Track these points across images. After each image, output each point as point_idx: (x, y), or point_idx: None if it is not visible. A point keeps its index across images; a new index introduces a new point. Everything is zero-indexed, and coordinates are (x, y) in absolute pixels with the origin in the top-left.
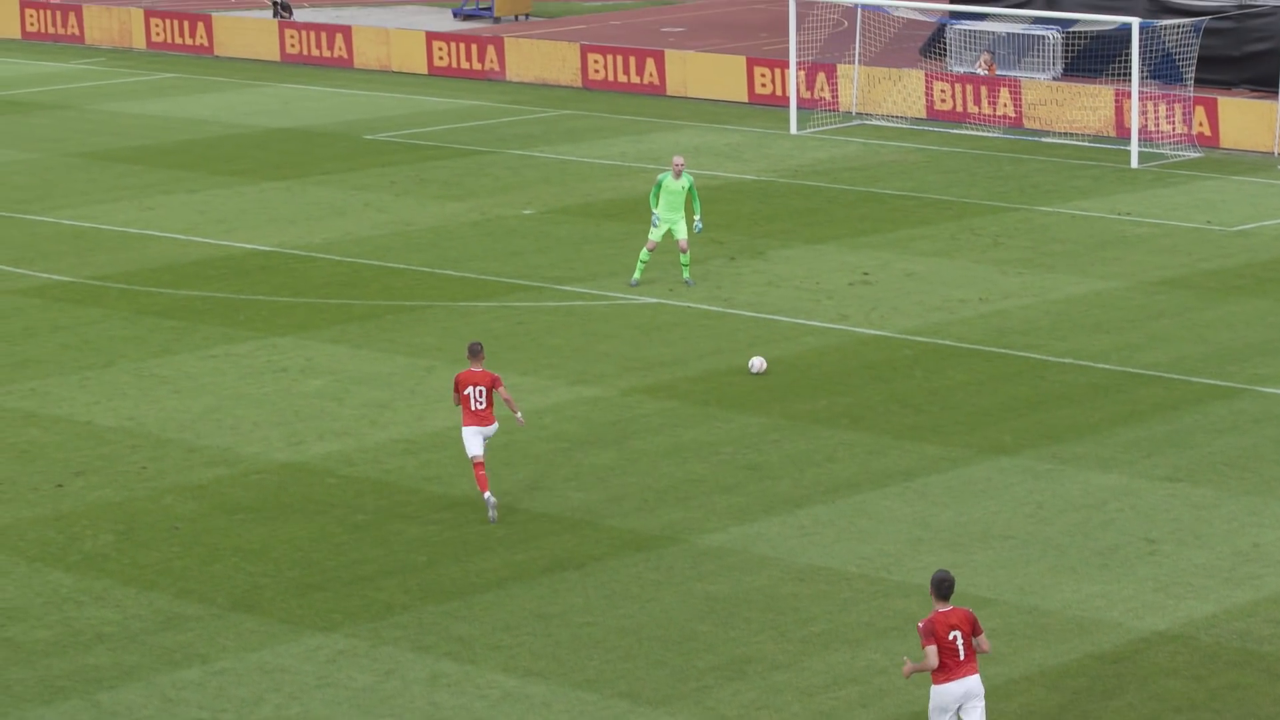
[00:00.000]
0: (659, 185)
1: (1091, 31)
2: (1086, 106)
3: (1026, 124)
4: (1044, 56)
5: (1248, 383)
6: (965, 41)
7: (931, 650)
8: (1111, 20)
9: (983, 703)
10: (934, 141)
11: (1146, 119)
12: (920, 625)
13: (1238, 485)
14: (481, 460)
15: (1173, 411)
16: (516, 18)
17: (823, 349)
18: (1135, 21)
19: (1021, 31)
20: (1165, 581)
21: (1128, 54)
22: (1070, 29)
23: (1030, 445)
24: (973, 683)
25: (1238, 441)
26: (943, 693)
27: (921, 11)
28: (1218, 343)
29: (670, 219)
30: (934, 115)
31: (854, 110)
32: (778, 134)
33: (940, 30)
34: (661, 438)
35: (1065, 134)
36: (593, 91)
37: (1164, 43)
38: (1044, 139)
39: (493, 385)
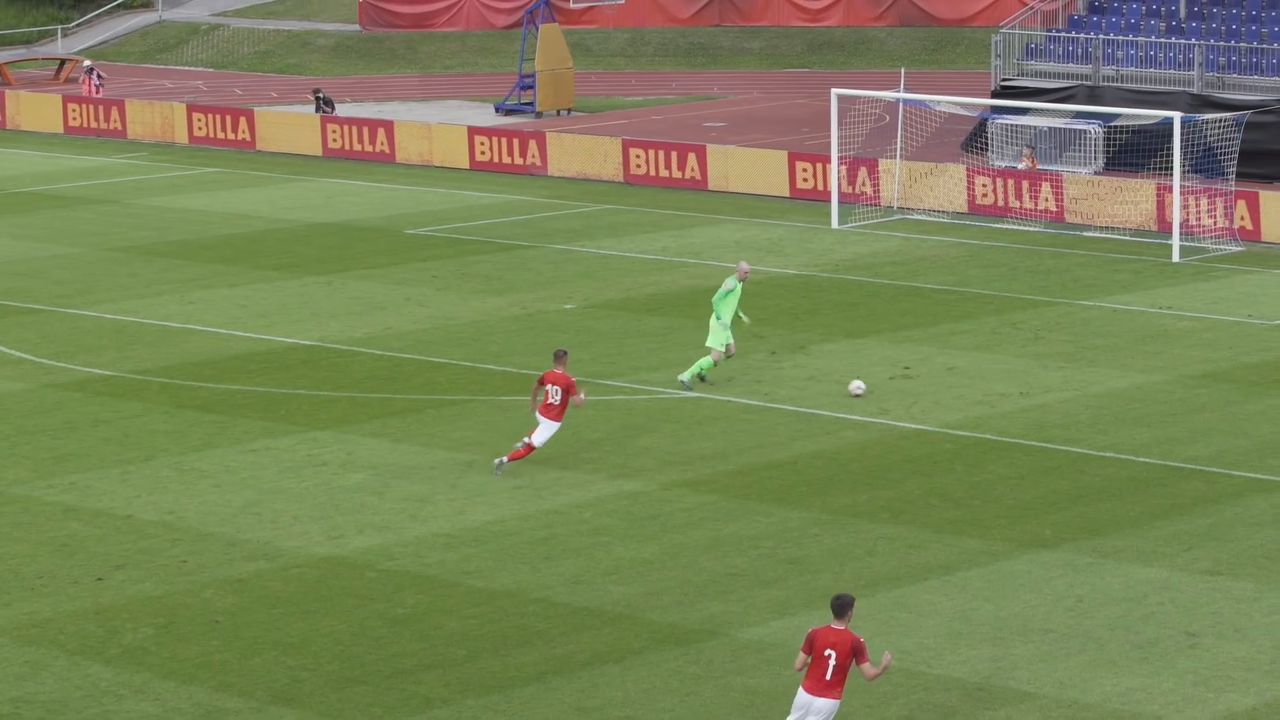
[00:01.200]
0: (731, 292)
1: (1133, 126)
2: (1128, 201)
3: (1068, 218)
4: (1086, 151)
5: (1273, 474)
6: (1006, 136)
7: (800, 658)
8: (1153, 115)
9: None
10: (975, 236)
11: (1188, 213)
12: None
13: (1279, 579)
14: (531, 447)
15: (1213, 505)
16: (559, 112)
17: (863, 443)
18: (1177, 116)
19: (1063, 126)
20: (1205, 675)
21: (1169, 148)
22: (1112, 124)
23: (1070, 539)
24: (823, 703)
25: (1278, 535)
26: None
27: (963, 106)
28: (1259, 436)
29: (728, 323)
30: (975, 210)
31: (895, 205)
32: (819, 228)
33: (982, 125)
34: (701, 532)
35: (1107, 228)
36: (635, 186)
37: (1206, 137)
38: (1085, 233)
39: (568, 388)
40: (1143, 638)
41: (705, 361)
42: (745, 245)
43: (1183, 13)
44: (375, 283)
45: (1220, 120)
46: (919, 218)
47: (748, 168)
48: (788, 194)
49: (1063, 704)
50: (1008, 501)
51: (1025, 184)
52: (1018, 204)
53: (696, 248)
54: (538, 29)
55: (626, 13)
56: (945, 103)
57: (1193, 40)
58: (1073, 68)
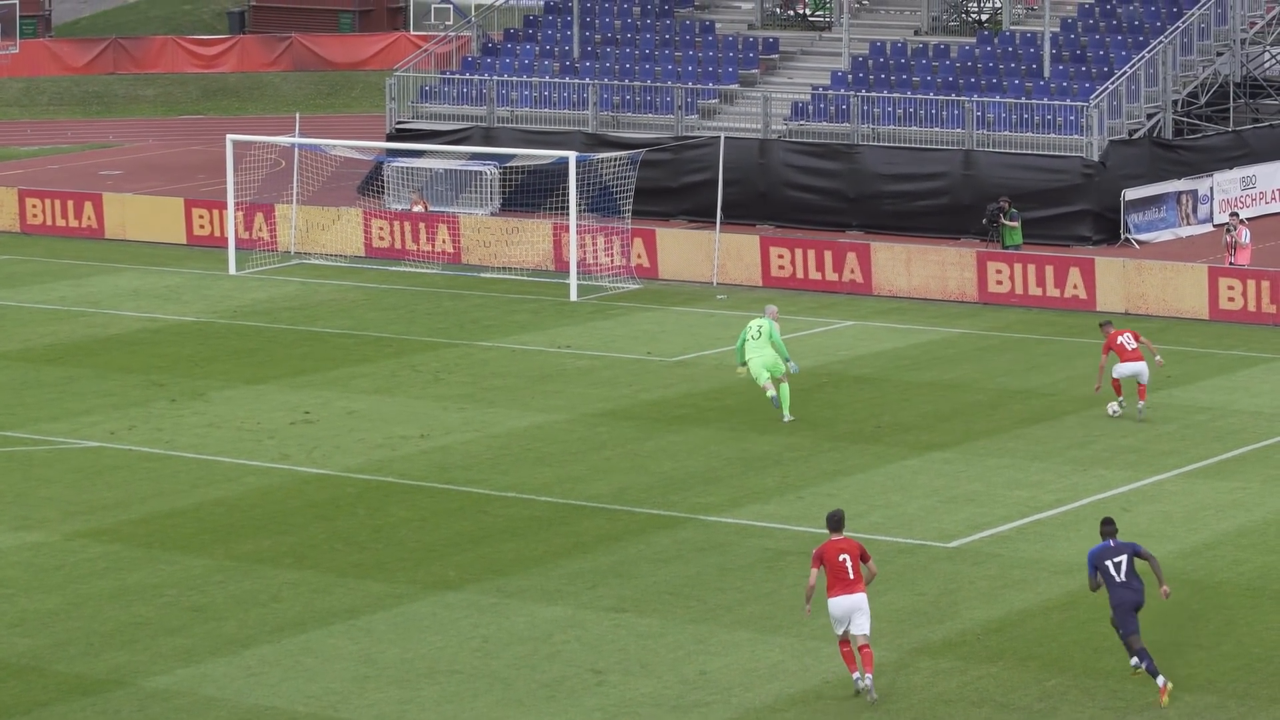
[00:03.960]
0: (771, 334)
1: (529, 166)
2: (525, 241)
3: (466, 259)
4: (482, 192)
5: (690, 512)
6: (402, 179)
7: (814, 573)
8: (548, 155)
9: (866, 614)
10: (373, 279)
11: (585, 252)
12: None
13: (683, 614)
14: None
15: (616, 542)
16: None
17: (266, 489)
18: (572, 155)
19: (459, 168)
20: (613, 712)
21: (565, 188)
22: (507, 164)
23: (474, 579)
24: (858, 599)
25: (682, 570)
26: (835, 605)
27: (358, 150)
28: (660, 473)
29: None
30: (373, 253)
31: (293, 250)
32: (217, 275)
33: (378, 168)
34: (105, 581)
35: (504, 269)
36: (32, 236)
37: (601, 176)
38: (483, 274)
39: None
40: (549, 676)
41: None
42: (143, 293)
43: (576, 53)
44: None
45: (615, 159)
46: (317, 262)
47: (145, 215)
48: (185, 241)
49: None
50: (411, 544)
51: (422, 226)
52: (415, 246)
53: (94, 297)
54: None
55: (20, 62)
56: (341, 147)
57: (587, 80)
58: (468, 109)
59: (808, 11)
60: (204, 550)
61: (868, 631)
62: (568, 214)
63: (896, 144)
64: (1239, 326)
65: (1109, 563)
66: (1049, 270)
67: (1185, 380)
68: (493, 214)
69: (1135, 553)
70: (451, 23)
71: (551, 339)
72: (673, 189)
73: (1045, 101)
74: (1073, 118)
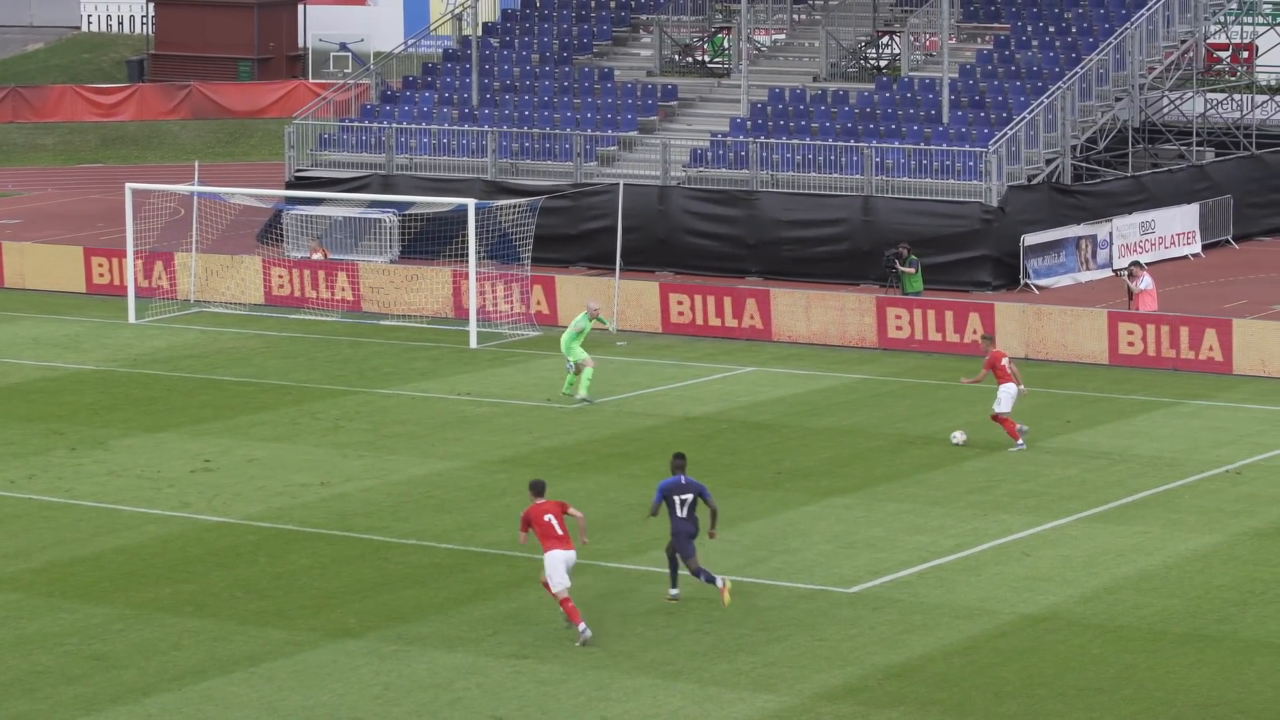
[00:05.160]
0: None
1: (428, 214)
2: (424, 288)
3: (365, 307)
4: (381, 239)
5: (590, 558)
6: (302, 227)
7: (522, 536)
8: (447, 202)
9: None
10: (273, 327)
11: (485, 299)
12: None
13: (584, 660)
14: None
15: (516, 589)
16: None
17: (166, 537)
18: (471, 202)
19: (358, 215)
20: None
21: (465, 234)
22: (406, 211)
23: (375, 627)
24: (571, 555)
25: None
26: (552, 559)
27: (258, 198)
28: None
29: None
30: (273, 301)
31: (193, 298)
32: (117, 323)
33: (277, 216)
34: (5, 630)
35: (404, 316)
36: None
37: (501, 222)
38: (383, 321)
39: None
40: None
41: (588, 372)
42: (43, 342)
43: (475, 100)
44: None
45: (515, 206)
46: (217, 310)
47: (44, 264)
48: (85, 290)
49: None
50: (311, 591)
51: (322, 274)
52: (314, 294)
53: None
54: None
55: None
56: (240, 195)
57: (485, 127)
58: (366, 157)
59: (706, 59)
60: (105, 598)
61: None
62: (467, 261)
63: (796, 190)
64: (1138, 371)
65: (676, 498)
66: (949, 315)
67: (1085, 425)
68: (392, 261)
69: (701, 494)
70: (350, 70)
71: (451, 386)
72: (572, 235)
73: (944, 147)
74: (971, 163)
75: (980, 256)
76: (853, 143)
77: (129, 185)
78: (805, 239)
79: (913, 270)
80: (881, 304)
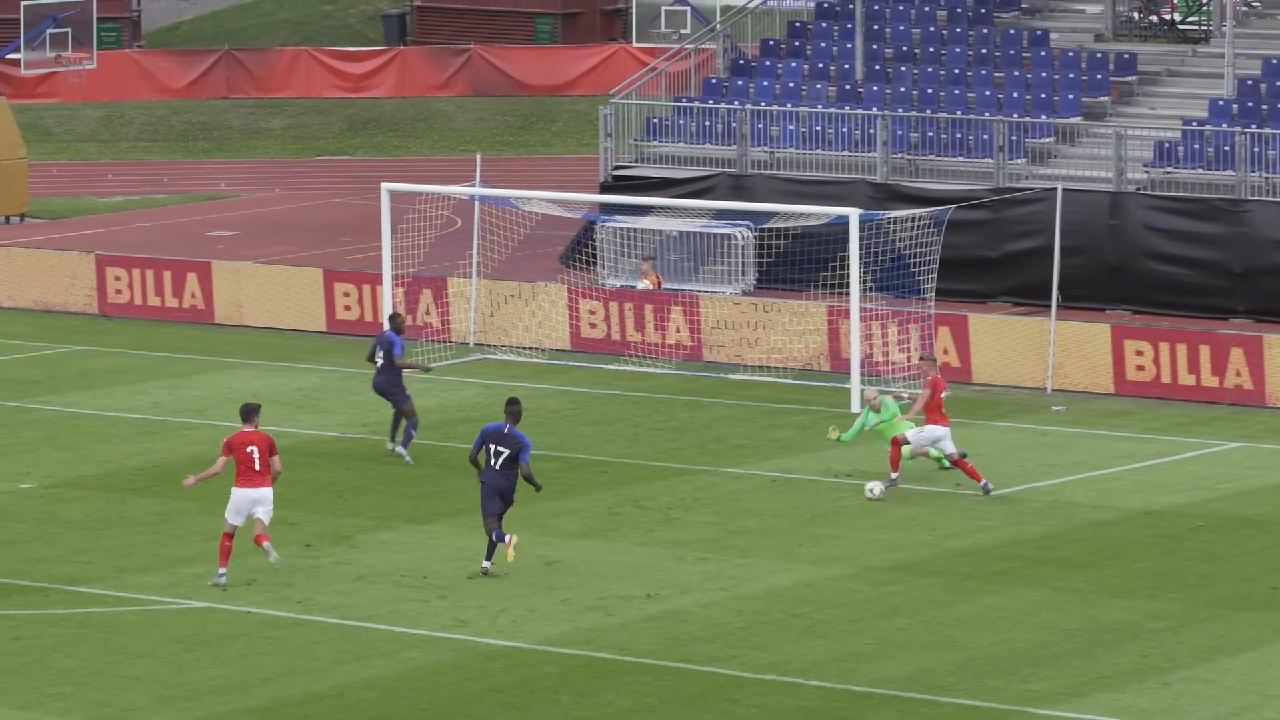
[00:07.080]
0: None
1: (794, 229)
2: (790, 330)
3: (708, 356)
4: (731, 263)
5: (1017, 703)
6: (622, 244)
7: (221, 461)
8: (823, 213)
9: (269, 507)
10: (582, 381)
11: (872, 345)
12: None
13: None
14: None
15: None
16: (6, 219)
17: (434, 667)
18: (854, 213)
19: (700, 230)
20: None
21: (844, 257)
22: (765, 225)
23: None
24: (263, 492)
25: None
26: (238, 495)
27: (561, 205)
28: (974, 649)
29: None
30: (581, 346)
31: (472, 340)
32: (367, 374)
33: (588, 230)
34: None
35: (762, 369)
36: (114, 320)
37: (894, 241)
38: (732, 375)
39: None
40: None
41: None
42: (266, 398)
43: (860, 73)
44: None
45: (914, 218)
46: (504, 357)
47: (269, 291)
48: (324, 328)
49: None
50: None
51: (650, 308)
52: (638, 337)
53: (199, 403)
54: None
55: (99, 81)
56: (537, 200)
57: (874, 110)
58: (711, 150)
59: (1177, 18)
60: None
61: (267, 522)
62: (848, 293)
63: None
64: None
65: (493, 446)
66: None
67: None
68: (745, 293)
69: (518, 455)
70: (689, 31)
71: (825, 465)
72: (991, 260)
73: None
74: None
75: None
76: None
77: (385, 186)
78: None
79: None
80: None
